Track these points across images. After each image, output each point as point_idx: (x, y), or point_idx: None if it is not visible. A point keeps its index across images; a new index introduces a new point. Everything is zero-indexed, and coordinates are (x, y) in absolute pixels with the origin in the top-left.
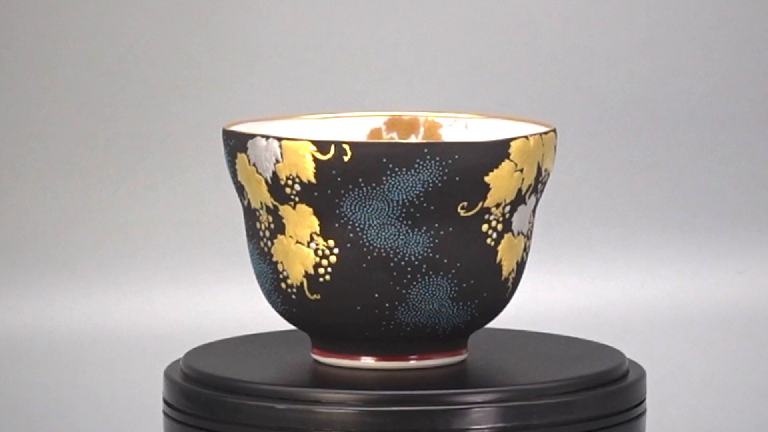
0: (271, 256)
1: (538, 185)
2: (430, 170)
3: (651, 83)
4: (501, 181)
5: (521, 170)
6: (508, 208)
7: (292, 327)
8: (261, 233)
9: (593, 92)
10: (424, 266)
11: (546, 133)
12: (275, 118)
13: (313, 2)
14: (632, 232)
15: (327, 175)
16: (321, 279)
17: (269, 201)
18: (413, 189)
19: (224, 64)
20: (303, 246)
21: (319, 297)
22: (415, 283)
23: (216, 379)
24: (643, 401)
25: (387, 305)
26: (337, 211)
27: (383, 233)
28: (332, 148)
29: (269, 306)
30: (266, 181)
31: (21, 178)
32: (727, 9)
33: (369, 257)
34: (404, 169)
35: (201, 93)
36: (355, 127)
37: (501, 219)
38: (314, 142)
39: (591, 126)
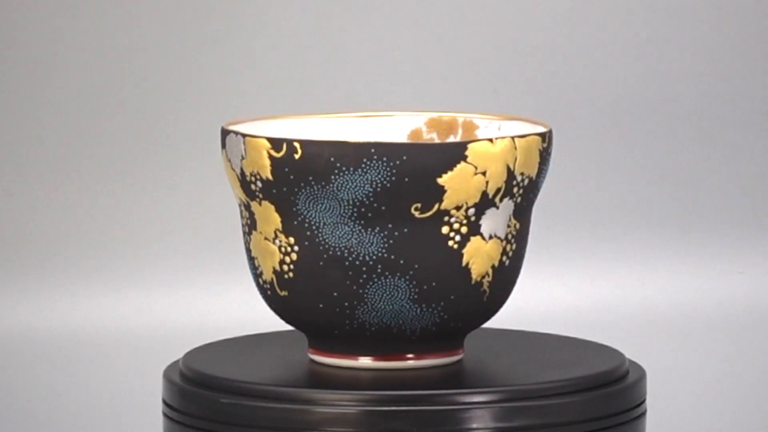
0: (250, 252)
1: (512, 189)
2: (377, 170)
3: (651, 83)
4: (458, 184)
5: (483, 173)
6: (472, 211)
7: (290, 327)
8: (243, 229)
9: (593, 92)
10: (380, 266)
11: (522, 136)
12: (313, 114)
13: (314, 2)
14: (632, 232)
15: (282, 173)
16: (286, 276)
17: (243, 197)
18: (361, 189)
19: (225, 64)
20: (270, 242)
21: (287, 294)
22: (371, 283)
23: (215, 379)
24: (643, 401)
25: (346, 304)
26: (294, 209)
27: (337, 232)
28: (284, 145)
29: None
30: (237, 177)
31: (21, 178)
32: (727, 9)
33: (325, 255)
34: (351, 169)
35: (203, 93)
36: (397, 127)
37: (464, 222)
38: (269, 140)
39: (591, 126)
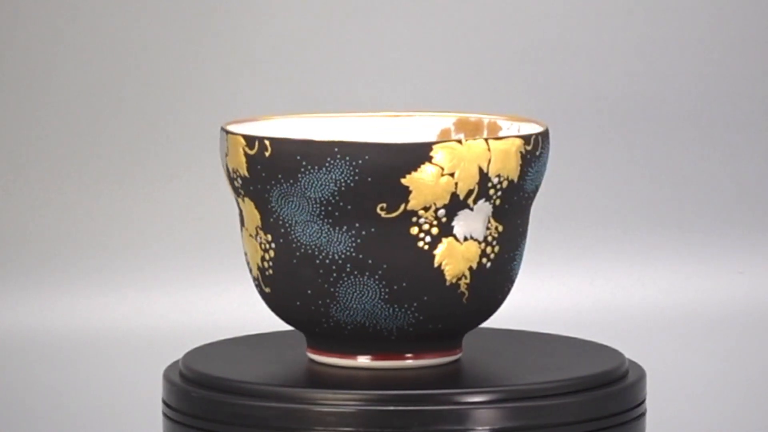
0: (243, 247)
1: (488, 191)
2: (341, 169)
3: (651, 83)
4: (423, 184)
5: (452, 174)
6: (442, 212)
7: (290, 327)
8: (239, 225)
9: (593, 92)
10: (349, 265)
11: (498, 138)
12: (336, 114)
13: (314, 2)
14: (632, 232)
15: (255, 170)
16: (267, 273)
17: (233, 193)
18: (327, 187)
19: (225, 64)
20: (253, 239)
21: (269, 290)
22: (341, 281)
23: (214, 379)
24: (643, 401)
25: (320, 302)
26: (269, 206)
27: (308, 230)
28: (256, 143)
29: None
30: (226, 174)
31: (22, 178)
32: (727, 9)
33: (297, 253)
34: (316, 167)
35: (203, 93)
36: (426, 127)
37: (435, 223)
38: (244, 137)
39: (590, 125)
